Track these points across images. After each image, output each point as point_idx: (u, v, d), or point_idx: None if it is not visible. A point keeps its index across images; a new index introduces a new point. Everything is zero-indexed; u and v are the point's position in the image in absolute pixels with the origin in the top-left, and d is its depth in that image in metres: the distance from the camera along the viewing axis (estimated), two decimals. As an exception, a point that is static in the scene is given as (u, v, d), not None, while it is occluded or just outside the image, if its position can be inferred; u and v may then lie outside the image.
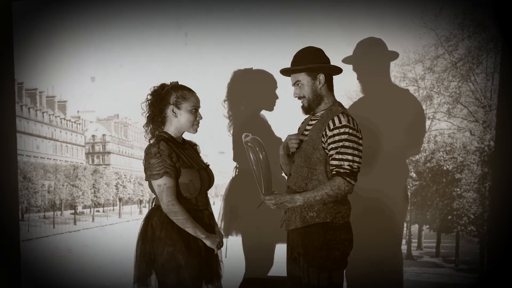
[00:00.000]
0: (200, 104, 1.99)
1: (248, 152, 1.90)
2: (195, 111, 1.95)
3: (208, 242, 1.93)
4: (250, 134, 1.94)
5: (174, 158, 1.87)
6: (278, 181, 2.09)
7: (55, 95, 3.48)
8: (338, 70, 1.98)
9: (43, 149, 3.54)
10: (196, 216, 1.93)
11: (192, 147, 2.07)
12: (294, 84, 1.97)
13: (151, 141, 1.93)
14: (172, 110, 1.93)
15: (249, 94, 2.81)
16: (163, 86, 1.98)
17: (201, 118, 1.97)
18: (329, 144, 1.84)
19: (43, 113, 3.56)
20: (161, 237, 1.90)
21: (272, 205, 1.93)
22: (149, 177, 1.89)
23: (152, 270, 1.93)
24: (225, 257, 2.80)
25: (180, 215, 1.87)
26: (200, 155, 2.10)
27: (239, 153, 2.84)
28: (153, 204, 2.03)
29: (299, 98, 1.97)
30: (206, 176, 1.98)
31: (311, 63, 1.90)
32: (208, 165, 2.06)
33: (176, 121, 1.95)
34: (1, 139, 3.36)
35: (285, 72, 2.01)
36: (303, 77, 1.92)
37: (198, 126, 1.98)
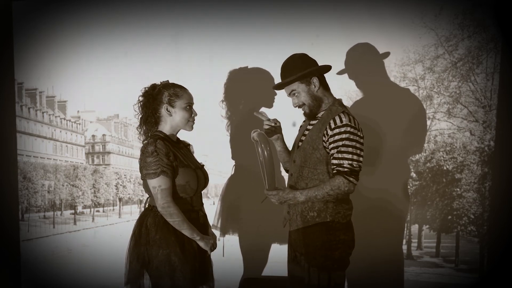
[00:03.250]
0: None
1: (256, 147, 1.91)
2: (189, 108, 1.93)
3: (202, 244, 1.91)
4: (258, 130, 1.93)
5: (171, 157, 1.85)
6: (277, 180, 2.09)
7: (55, 95, 3.48)
8: (328, 68, 1.97)
9: (43, 149, 3.54)
10: (191, 217, 1.91)
11: (185, 147, 2.05)
12: (289, 95, 1.97)
13: (148, 140, 1.90)
14: (166, 109, 1.91)
15: (246, 92, 2.81)
16: (154, 86, 1.95)
17: (196, 114, 1.95)
18: (330, 143, 1.84)
19: (43, 113, 3.56)
20: (156, 239, 1.87)
21: (274, 201, 1.93)
22: (145, 176, 1.86)
23: (145, 272, 1.91)
24: (223, 256, 2.80)
25: (176, 216, 1.84)
26: (194, 155, 2.09)
27: (237, 151, 2.83)
28: (147, 204, 2.00)
29: (299, 106, 1.96)
30: (202, 176, 1.96)
31: (301, 70, 1.89)
32: (203, 165, 2.04)
33: (171, 120, 1.93)
34: (1, 139, 3.36)
35: (278, 87, 2.01)
36: (297, 86, 1.92)
37: (194, 123, 1.96)
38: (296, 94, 1.93)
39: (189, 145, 2.10)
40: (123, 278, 1.96)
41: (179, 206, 1.86)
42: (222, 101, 2.82)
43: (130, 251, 1.94)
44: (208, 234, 2.01)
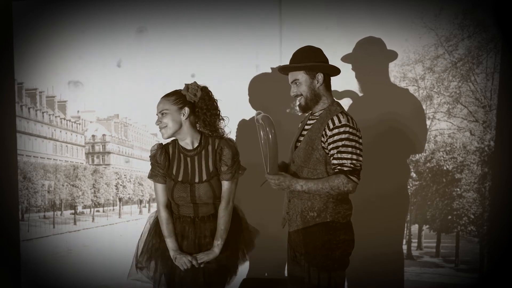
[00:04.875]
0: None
1: (259, 130, 1.89)
2: (157, 119, 1.98)
3: (176, 262, 1.97)
4: (262, 112, 1.91)
5: (166, 167, 1.99)
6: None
7: (55, 95, 3.47)
8: (337, 71, 1.98)
9: (43, 149, 3.54)
10: (178, 224, 2.04)
11: (214, 153, 2.01)
12: (292, 82, 1.97)
13: (154, 145, 2.05)
14: None
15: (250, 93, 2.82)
16: None
17: (159, 122, 1.95)
18: (329, 144, 1.83)
19: (43, 113, 3.56)
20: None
21: (274, 185, 1.91)
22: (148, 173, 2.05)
23: (153, 261, 2.05)
24: None
25: (162, 222, 2.01)
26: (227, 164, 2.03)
27: (242, 148, 2.83)
28: None
29: (296, 96, 1.97)
30: (186, 191, 1.96)
31: (311, 62, 1.90)
32: (209, 180, 2.00)
33: None
34: (1, 139, 3.36)
35: (283, 70, 2.00)
36: (302, 76, 1.92)
37: (161, 129, 1.96)
38: (298, 83, 1.94)
39: (231, 141, 2.06)
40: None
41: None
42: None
43: (147, 241, 2.09)
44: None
